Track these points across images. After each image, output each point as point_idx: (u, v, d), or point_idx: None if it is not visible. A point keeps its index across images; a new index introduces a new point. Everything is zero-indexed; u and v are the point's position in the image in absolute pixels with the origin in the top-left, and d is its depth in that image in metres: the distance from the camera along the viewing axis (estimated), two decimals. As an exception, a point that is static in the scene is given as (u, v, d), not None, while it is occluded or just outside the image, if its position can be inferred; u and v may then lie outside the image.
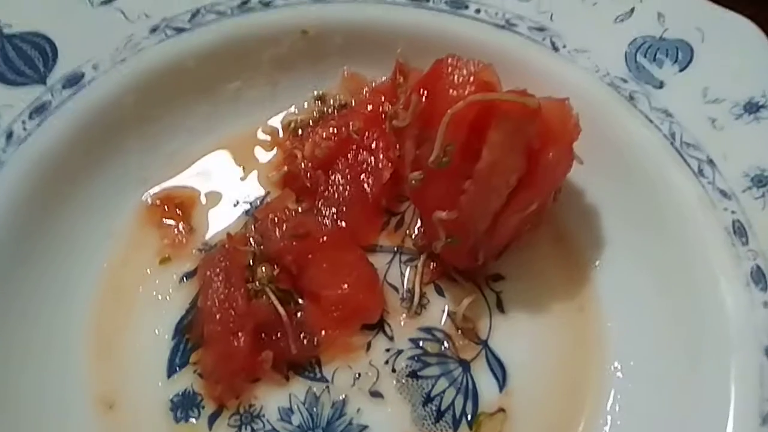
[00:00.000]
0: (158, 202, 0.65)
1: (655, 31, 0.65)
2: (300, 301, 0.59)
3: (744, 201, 0.57)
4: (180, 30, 0.67)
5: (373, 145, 0.65)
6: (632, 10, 0.67)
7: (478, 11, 0.68)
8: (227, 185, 0.66)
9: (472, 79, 0.54)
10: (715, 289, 0.55)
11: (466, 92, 0.54)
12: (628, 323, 0.59)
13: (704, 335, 0.55)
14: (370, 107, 0.68)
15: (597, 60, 0.65)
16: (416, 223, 0.64)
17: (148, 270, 0.62)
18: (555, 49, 0.66)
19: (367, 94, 0.70)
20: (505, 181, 0.55)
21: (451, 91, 0.54)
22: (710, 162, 0.59)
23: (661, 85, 0.63)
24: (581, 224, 0.63)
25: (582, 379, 0.57)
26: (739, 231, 0.56)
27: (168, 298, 0.60)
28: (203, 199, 0.66)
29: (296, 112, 0.71)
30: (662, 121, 0.61)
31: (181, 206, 0.65)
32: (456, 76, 0.55)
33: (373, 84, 0.71)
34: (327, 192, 0.63)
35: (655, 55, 0.64)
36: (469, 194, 0.55)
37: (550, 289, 0.61)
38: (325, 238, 0.60)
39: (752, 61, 0.62)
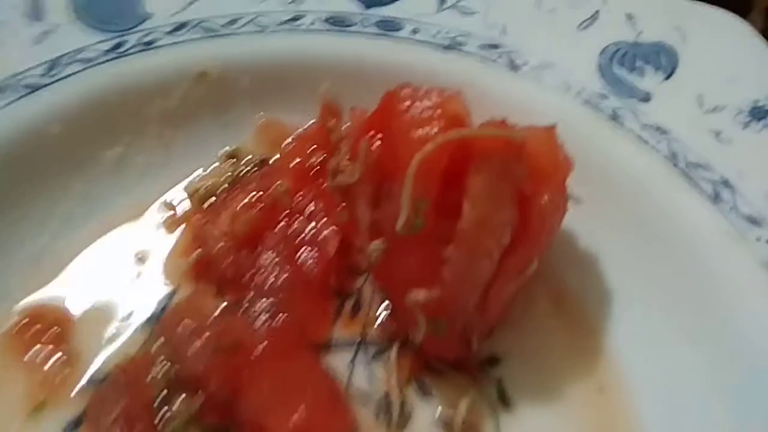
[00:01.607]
0: (24, 321, 0.48)
1: (628, 35, 0.55)
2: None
3: (778, 226, 0.46)
4: (34, 88, 0.51)
5: (310, 209, 0.51)
6: (596, 13, 0.56)
7: (415, 31, 0.56)
8: (118, 288, 0.49)
9: (437, 113, 0.41)
10: (763, 339, 0.44)
11: (434, 131, 0.41)
12: (660, 396, 0.47)
13: (756, 399, 0.43)
14: (296, 160, 0.54)
15: (566, 76, 0.54)
16: (379, 303, 0.49)
17: (16, 425, 0.43)
18: (514, 67, 0.55)
19: (291, 145, 0.55)
20: (496, 240, 0.42)
21: (413, 131, 0.41)
22: (725, 183, 0.48)
23: (647, 98, 0.52)
24: (582, 277, 0.51)
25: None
26: (781, 264, 0.45)
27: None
28: (86, 313, 0.48)
29: (203, 176, 0.55)
30: (658, 140, 0.51)
31: (57, 325, 0.48)
32: (416, 111, 0.41)
33: (297, 132, 0.56)
34: (256, 279, 0.48)
35: (634, 62, 0.54)
36: (452, 263, 0.41)
37: (558, 366, 0.48)
38: (262, 345, 0.44)
39: (746, 60, 0.52)
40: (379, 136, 0.43)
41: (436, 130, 0.40)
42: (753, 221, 0.47)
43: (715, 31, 0.54)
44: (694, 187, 0.49)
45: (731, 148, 0.50)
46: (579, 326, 0.49)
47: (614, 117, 0.52)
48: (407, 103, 0.42)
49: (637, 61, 0.54)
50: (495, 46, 0.55)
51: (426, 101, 0.42)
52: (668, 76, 0.53)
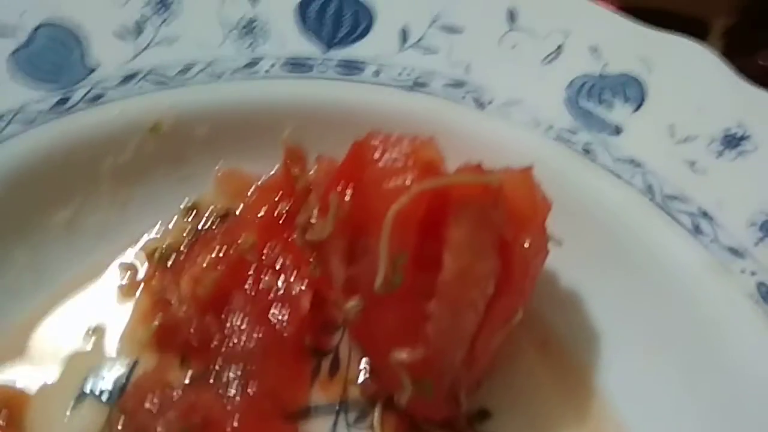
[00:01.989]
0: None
1: (593, 68, 0.54)
2: None
3: (761, 256, 0.45)
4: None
5: (278, 263, 0.48)
6: (560, 47, 0.55)
7: (377, 73, 0.54)
8: (74, 363, 0.45)
9: (410, 161, 0.39)
10: (757, 374, 0.43)
11: (408, 180, 0.38)
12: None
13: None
14: (261, 211, 0.51)
15: (534, 112, 0.53)
16: (359, 360, 0.47)
17: None
18: (481, 105, 0.53)
19: (255, 195, 0.53)
20: (480, 290, 0.39)
21: (386, 182, 0.39)
22: (704, 214, 0.47)
23: (618, 131, 0.51)
24: (566, 319, 0.49)
25: None
26: (768, 296, 0.44)
27: None
28: (40, 392, 0.44)
29: (162, 233, 0.52)
30: (633, 173, 0.50)
31: (8, 407, 0.43)
32: (388, 161, 0.39)
33: (260, 180, 0.53)
34: (225, 345, 0.44)
35: (600, 95, 0.53)
36: (435, 319, 0.39)
37: (550, 414, 0.46)
38: (235, 421, 0.40)
39: (713, 87, 0.52)
40: (350, 188, 0.40)
41: (410, 179, 0.38)
42: (735, 253, 0.46)
43: (681, 60, 0.53)
44: (673, 220, 0.48)
45: (707, 178, 0.49)
46: (568, 370, 0.47)
47: (586, 152, 0.51)
48: (378, 152, 0.39)
49: (604, 94, 0.53)
50: (460, 85, 0.54)
51: (398, 149, 0.39)
52: (637, 108, 0.52)
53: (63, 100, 0.50)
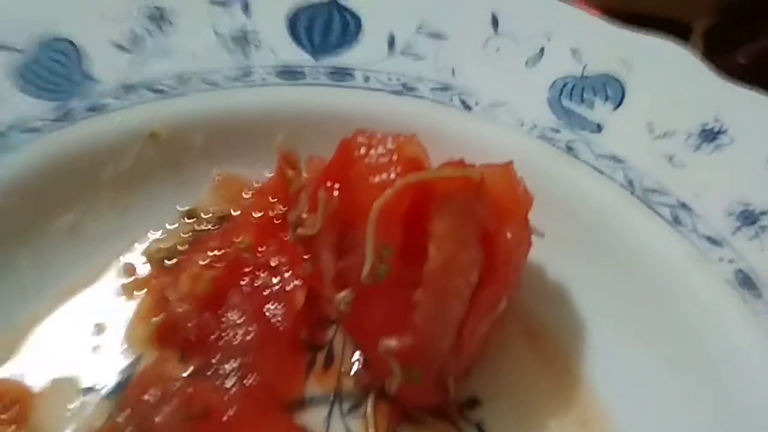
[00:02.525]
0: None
1: (574, 69, 0.56)
2: None
3: (738, 245, 0.47)
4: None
5: (273, 263, 0.50)
6: (542, 50, 0.57)
7: (367, 79, 0.56)
8: (79, 360, 0.47)
9: (395, 157, 0.41)
10: (737, 358, 0.44)
11: (392, 176, 0.40)
12: (642, 423, 0.46)
13: (736, 415, 0.43)
14: (257, 214, 0.53)
15: (518, 112, 0.55)
16: (352, 353, 0.48)
17: None
18: (467, 107, 0.55)
19: (250, 199, 0.55)
20: (465, 280, 0.41)
21: (371, 177, 0.40)
22: (683, 206, 0.49)
23: (599, 129, 0.53)
24: (553, 311, 0.51)
25: None
26: (745, 282, 0.46)
27: None
28: (46, 388, 0.46)
29: (161, 237, 0.53)
30: (614, 169, 0.51)
31: (17, 403, 0.45)
32: (373, 157, 0.41)
33: (255, 185, 0.55)
34: (222, 340, 0.46)
35: (582, 95, 0.55)
36: (422, 307, 0.40)
37: (538, 403, 0.47)
38: (233, 410, 0.42)
39: (691, 85, 0.54)
40: (338, 185, 0.42)
41: (394, 175, 0.40)
42: (714, 242, 0.47)
43: (659, 59, 0.55)
44: (654, 212, 0.49)
45: (685, 171, 0.50)
46: (555, 360, 0.49)
47: (569, 149, 0.53)
48: (363, 149, 0.41)
49: (585, 94, 0.55)
50: (446, 88, 0.56)
51: (382, 146, 0.41)
52: (617, 106, 0.54)
53: (66, 111, 0.52)
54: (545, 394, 0.48)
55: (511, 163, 0.44)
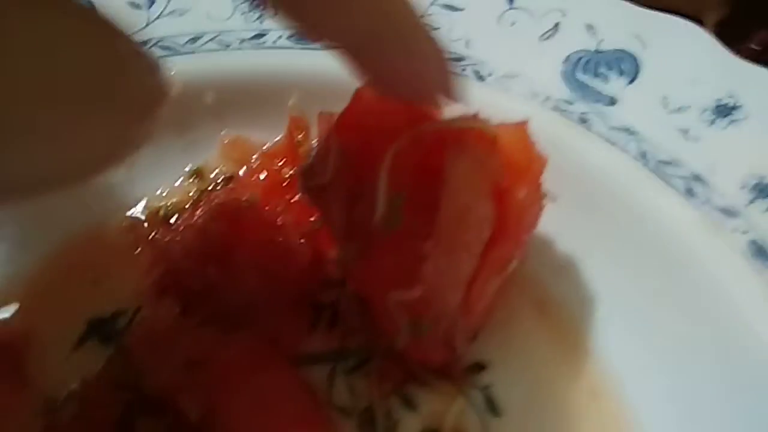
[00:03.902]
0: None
1: (589, 44, 0.56)
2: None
3: (752, 216, 0.46)
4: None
5: (279, 221, 0.49)
6: (557, 25, 0.57)
7: (380, 46, 0.56)
8: (76, 309, 0.46)
9: (410, 107, 0.40)
10: (751, 330, 0.43)
11: (406, 124, 0.39)
12: (653, 394, 0.45)
13: (750, 388, 0.42)
14: (264, 174, 0.52)
15: (532, 84, 0.54)
16: (357, 313, 0.47)
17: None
18: (480, 78, 0.55)
19: (258, 161, 0.54)
20: (477, 233, 0.40)
21: (385, 125, 0.40)
22: (697, 178, 0.48)
23: (612, 102, 0.53)
24: (562, 281, 0.50)
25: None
26: (759, 253, 0.45)
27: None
28: (41, 337, 0.45)
29: (166, 194, 0.53)
30: (627, 141, 0.51)
31: (8, 349, 0.44)
32: (388, 105, 0.40)
33: (263, 148, 0.55)
34: (225, 293, 0.45)
35: (597, 69, 0.55)
36: (432, 258, 0.39)
37: (546, 371, 0.46)
38: (235, 358, 0.41)
39: (705, 62, 0.53)
40: (351, 133, 0.41)
41: (408, 123, 0.40)
42: (728, 213, 0.47)
43: (674, 37, 0.55)
44: (667, 184, 0.49)
45: (700, 145, 0.50)
46: (563, 330, 0.48)
47: (583, 120, 0.52)
48: (378, 99, 0.41)
49: (600, 68, 0.55)
50: (460, 59, 0.56)
51: (397, 96, 0.41)
52: (631, 81, 0.54)
53: (75, 63, 0.52)
54: (553, 363, 0.46)
55: (525, 121, 0.44)
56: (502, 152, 0.41)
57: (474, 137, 0.40)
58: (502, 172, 0.41)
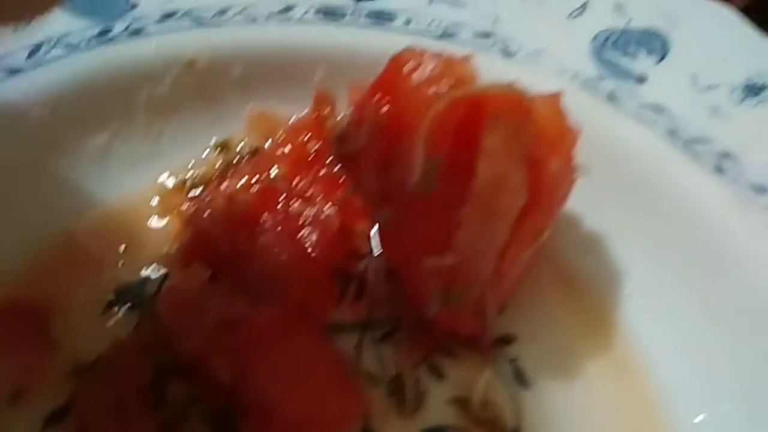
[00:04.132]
0: (6, 307, 0.43)
1: (617, 22, 0.56)
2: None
3: (784, 193, 0.46)
4: (16, 70, 0.48)
5: (309, 193, 0.49)
6: (584, 4, 0.57)
7: (408, 22, 0.56)
8: (107, 274, 0.46)
9: (446, 73, 0.40)
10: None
11: (444, 89, 0.39)
12: (680, 367, 0.45)
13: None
14: (289, 148, 0.52)
15: (560, 61, 0.54)
16: (383, 283, 0.47)
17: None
18: (508, 54, 0.55)
19: (284, 135, 0.54)
20: (511, 201, 0.40)
21: (421, 91, 0.40)
22: (727, 155, 0.48)
23: (642, 79, 0.53)
24: (590, 256, 0.49)
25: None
26: (791, 229, 0.45)
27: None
28: (68, 301, 0.45)
29: (193, 165, 0.53)
30: (656, 118, 0.51)
31: (41, 310, 0.44)
32: (424, 72, 0.40)
33: (289, 121, 0.55)
34: (255, 260, 0.45)
35: (626, 47, 0.55)
36: (467, 225, 0.39)
37: (573, 344, 0.46)
38: (266, 323, 0.41)
39: (735, 42, 0.53)
40: (386, 98, 0.41)
41: (445, 89, 0.39)
42: (758, 189, 0.46)
43: (703, 17, 0.55)
44: (697, 160, 0.48)
45: (729, 122, 0.50)
46: (591, 304, 0.48)
47: (612, 98, 0.52)
48: (413, 64, 0.41)
49: (629, 46, 0.55)
50: (488, 35, 0.56)
51: (433, 63, 0.41)
52: (661, 59, 0.54)
53: (105, 31, 0.52)
54: (580, 336, 0.46)
55: (559, 93, 0.44)
56: (535, 123, 0.41)
57: (510, 106, 0.40)
58: (536, 142, 0.41)
